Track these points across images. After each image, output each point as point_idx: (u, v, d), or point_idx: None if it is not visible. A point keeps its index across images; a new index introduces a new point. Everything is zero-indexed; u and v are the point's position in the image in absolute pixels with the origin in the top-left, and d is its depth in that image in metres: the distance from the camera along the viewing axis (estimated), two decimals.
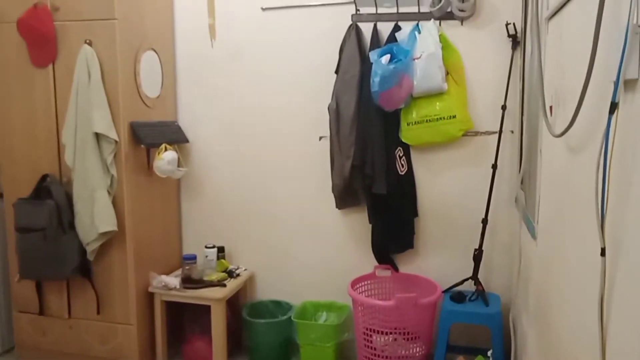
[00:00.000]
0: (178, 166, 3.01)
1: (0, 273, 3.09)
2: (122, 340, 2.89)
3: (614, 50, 1.00)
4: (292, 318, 2.97)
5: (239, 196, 3.24)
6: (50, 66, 2.79)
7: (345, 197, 2.96)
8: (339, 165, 2.88)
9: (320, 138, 3.04)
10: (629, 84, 0.97)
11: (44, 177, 2.82)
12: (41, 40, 2.75)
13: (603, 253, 1.03)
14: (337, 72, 2.90)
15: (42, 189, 2.79)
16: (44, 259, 2.72)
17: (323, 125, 2.97)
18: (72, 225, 2.76)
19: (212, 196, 3.28)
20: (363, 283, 3.00)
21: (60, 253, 2.72)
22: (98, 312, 2.90)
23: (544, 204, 1.88)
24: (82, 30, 2.71)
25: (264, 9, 3.04)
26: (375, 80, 2.64)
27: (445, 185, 2.91)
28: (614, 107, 0.99)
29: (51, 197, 2.74)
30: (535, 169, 2.11)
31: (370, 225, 2.97)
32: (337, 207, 3.02)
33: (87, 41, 2.70)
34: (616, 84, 0.97)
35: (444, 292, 2.80)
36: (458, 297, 2.72)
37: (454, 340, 2.85)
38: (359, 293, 2.94)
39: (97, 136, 2.70)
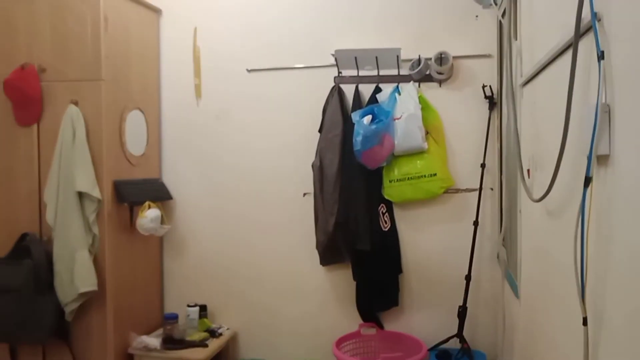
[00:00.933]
0: (161, 223, 2.99)
1: None
2: None
3: (586, 124, 1.06)
4: None
5: (222, 254, 3.21)
6: (35, 125, 2.80)
7: (329, 253, 2.96)
8: (322, 221, 2.89)
9: (304, 194, 3.06)
10: (602, 159, 1.02)
11: (24, 236, 2.77)
12: (27, 101, 2.77)
13: (585, 322, 1.05)
14: (320, 131, 2.96)
15: (21, 248, 2.73)
16: (19, 322, 2.63)
17: (307, 181, 3.00)
18: (50, 286, 2.69)
19: (195, 254, 3.25)
20: (348, 342, 2.95)
21: (37, 315, 2.64)
22: None
23: (526, 264, 1.91)
24: (69, 90, 2.75)
25: (249, 71, 3.13)
26: (357, 139, 2.70)
27: (428, 242, 2.93)
28: (588, 181, 1.03)
29: (30, 256, 2.68)
30: (515, 227, 2.15)
31: (354, 282, 2.96)
32: (321, 263, 3.01)
33: (73, 101, 2.73)
34: (589, 159, 1.02)
35: (429, 350, 2.77)
36: (444, 356, 2.69)
37: None
38: (344, 352, 2.89)
39: (80, 195, 2.68)
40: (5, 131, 2.82)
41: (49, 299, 2.68)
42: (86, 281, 2.65)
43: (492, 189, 2.84)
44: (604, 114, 1.00)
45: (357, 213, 2.85)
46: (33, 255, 2.69)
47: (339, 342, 2.87)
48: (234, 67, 3.14)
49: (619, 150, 0.96)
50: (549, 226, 1.49)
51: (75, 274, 2.65)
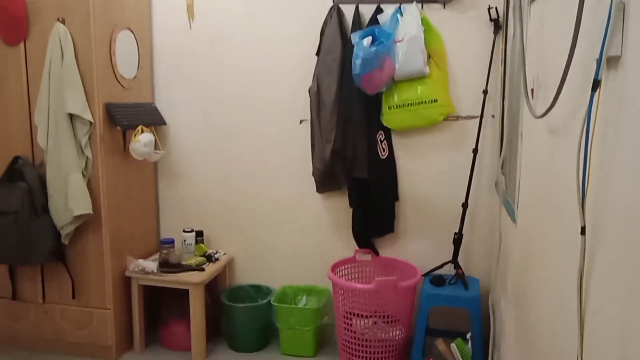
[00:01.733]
0: (155, 149, 2.95)
1: None
2: (98, 325, 2.84)
3: (597, 29, 0.99)
4: (271, 302, 2.95)
5: (217, 180, 3.19)
6: (22, 45, 2.69)
7: (325, 181, 2.94)
8: (319, 149, 2.85)
9: (301, 121, 3.00)
10: (612, 61, 0.95)
11: (16, 159, 2.74)
12: (11, 18, 2.65)
13: (583, 231, 1.02)
14: (318, 54, 2.86)
15: (14, 171, 2.71)
16: (16, 244, 2.64)
17: (304, 108, 2.93)
18: (45, 209, 2.69)
19: (190, 180, 3.23)
20: (343, 267, 2.99)
21: (33, 237, 2.65)
22: (73, 297, 2.85)
23: (525, 187, 1.88)
24: (55, 7, 2.62)
25: None
26: (356, 62, 2.60)
27: (426, 170, 2.90)
28: (596, 84, 0.97)
29: (23, 179, 2.66)
30: (515, 152, 2.11)
31: (350, 209, 2.96)
32: (317, 191, 2.99)
33: (60, 19, 2.61)
34: (599, 61, 0.95)
35: (423, 275, 2.81)
36: (438, 281, 2.73)
37: (434, 324, 2.87)
38: (340, 277, 2.93)
39: (71, 117, 2.62)
40: None
41: (45, 222, 2.68)
42: (80, 204, 2.64)
43: (493, 116, 2.77)
44: (618, 12, 0.93)
45: (354, 140, 2.79)
46: (26, 178, 2.66)
47: (335, 267, 2.91)
48: None
49: (631, 52, 0.90)
50: (551, 143, 1.45)
51: (69, 197, 2.64)
